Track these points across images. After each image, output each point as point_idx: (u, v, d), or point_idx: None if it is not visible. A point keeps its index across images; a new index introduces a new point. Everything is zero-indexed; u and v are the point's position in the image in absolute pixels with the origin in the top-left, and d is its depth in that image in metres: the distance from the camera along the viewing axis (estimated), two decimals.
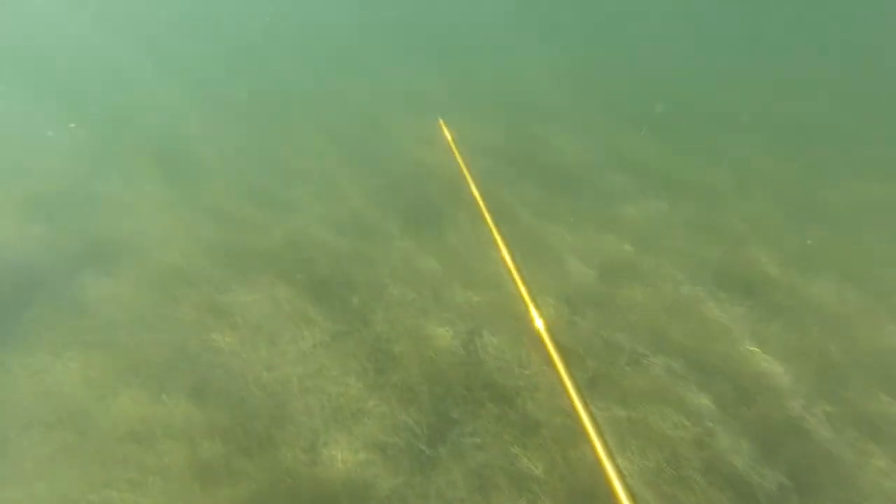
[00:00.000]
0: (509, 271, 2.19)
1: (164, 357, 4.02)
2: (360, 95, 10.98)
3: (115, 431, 3.58)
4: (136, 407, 3.67)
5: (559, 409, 3.74)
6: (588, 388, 3.86)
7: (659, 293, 4.59)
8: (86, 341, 4.15)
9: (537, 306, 1.99)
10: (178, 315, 4.38)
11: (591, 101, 10.16)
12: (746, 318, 4.45)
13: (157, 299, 4.54)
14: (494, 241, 2.42)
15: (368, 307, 4.49)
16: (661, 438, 3.50)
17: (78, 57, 14.11)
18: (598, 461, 1.37)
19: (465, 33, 16.50)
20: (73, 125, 8.71)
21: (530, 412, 3.70)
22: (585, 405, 1.46)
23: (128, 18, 17.48)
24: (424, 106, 9.98)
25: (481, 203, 2.47)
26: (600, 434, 1.37)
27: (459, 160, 3.05)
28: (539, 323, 1.92)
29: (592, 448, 1.38)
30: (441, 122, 3.78)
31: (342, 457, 3.45)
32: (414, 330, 4.30)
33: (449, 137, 3.42)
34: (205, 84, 11.75)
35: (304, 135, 8.61)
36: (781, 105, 9.96)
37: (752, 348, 4.18)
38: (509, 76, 12.25)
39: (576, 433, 3.52)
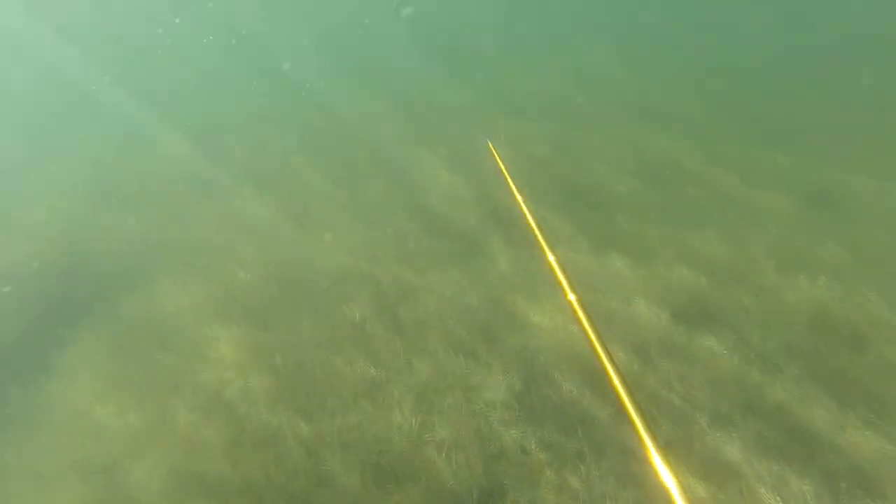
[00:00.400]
0: (574, 311, 1.91)
1: (197, 405, 3.88)
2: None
3: (147, 486, 3.43)
4: (168, 462, 3.50)
5: (630, 478, 3.17)
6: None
7: (742, 346, 3.94)
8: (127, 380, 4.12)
9: (607, 351, 1.66)
10: (215, 357, 4.27)
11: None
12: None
13: (194, 341, 4.48)
14: (554, 274, 2.13)
15: (410, 352, 4.18)
16: None
17: None
18: None
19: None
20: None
21: (595, 482, 3.16)
22: (672, 472, 1.08)
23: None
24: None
25: (537, 231, 2.25)
26: None
27: (510, 182, 2.86)
28: (611, 371, 1.58)
29: None
30: (490, 144, 3.65)
31: None
32: (462, 379, 3.91)
33: (499, 160, 3.30)
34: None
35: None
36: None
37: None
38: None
39: None
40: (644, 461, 1.19)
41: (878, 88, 9.07)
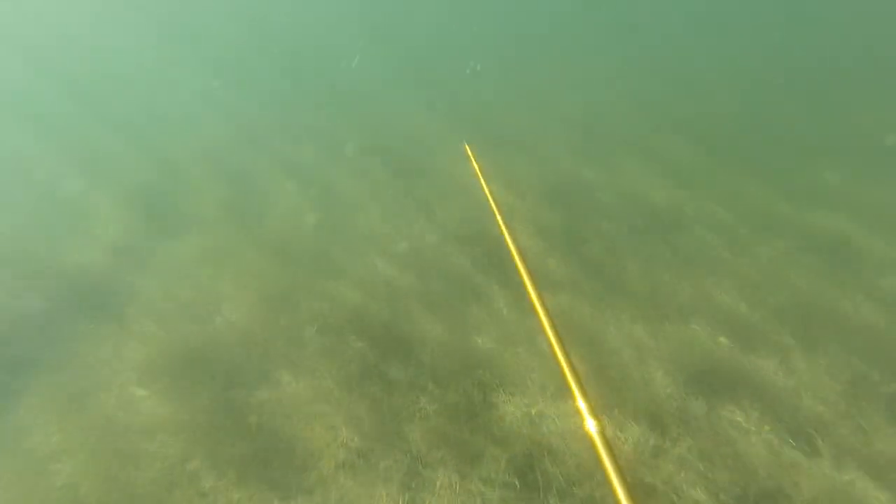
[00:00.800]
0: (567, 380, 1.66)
1: (155, 477, 3.44)
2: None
3: None
4: None
5: None
6: None
7: (777, 417, 3.55)
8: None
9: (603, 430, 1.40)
10: (183, 421, 3.83)
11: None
12: None
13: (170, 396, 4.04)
14: (545, 334, 1.86)
15: (400, 417, 3.76)
16: None
17: None
18: None
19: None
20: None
21: None
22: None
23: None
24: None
25: (511, 244, 2.04)
26: None
27: (486, 190, 2.65)
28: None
29: None
30: (467, 147, 3.38)
31: None
32: (454, 454, 3.49)
33: (475, 166, 3.08)
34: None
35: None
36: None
37: None
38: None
39: None
40: None
41: None
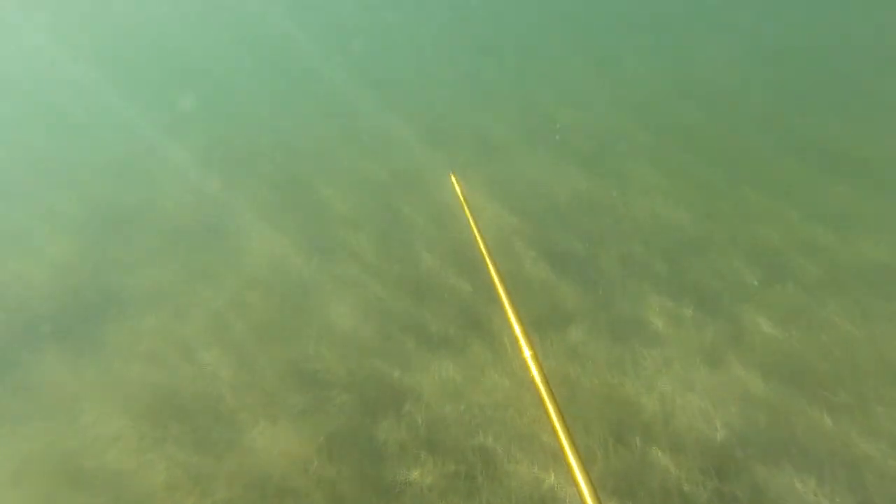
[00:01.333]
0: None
1: None
2: None
3: None
4: None
5: None
6: None
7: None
8: None
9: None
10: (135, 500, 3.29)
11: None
12: None
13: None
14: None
15: (388, 498, 3.22)
16: None
17: None
18: None
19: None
20: None
21: None
22: None
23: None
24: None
25: (498, 284, 1.70)
26: None
27: (473, 224, 2.33)
28: None
29: None
30: (453, 177, 2.97)
31: None
32: None
33: (461, 198, 2.74)
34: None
35: None
36: None
37: None
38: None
39: None
40: None
41: None
